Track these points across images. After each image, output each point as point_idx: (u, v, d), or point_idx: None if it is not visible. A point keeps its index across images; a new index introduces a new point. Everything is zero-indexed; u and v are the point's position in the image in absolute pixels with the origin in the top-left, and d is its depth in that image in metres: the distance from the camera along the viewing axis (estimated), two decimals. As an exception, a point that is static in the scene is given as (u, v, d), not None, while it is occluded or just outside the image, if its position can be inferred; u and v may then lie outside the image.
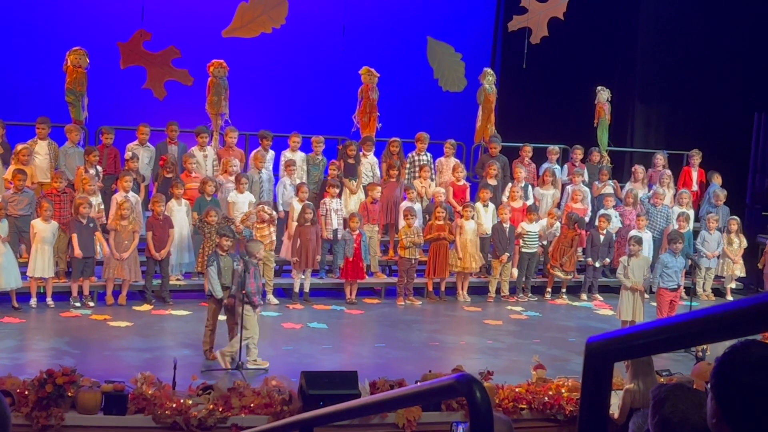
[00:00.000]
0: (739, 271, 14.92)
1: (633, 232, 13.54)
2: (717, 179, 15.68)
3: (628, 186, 15.55)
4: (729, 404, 2.00)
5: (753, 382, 1.94)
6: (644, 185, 15.67)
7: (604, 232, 14.22)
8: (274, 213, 13.09)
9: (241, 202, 12.99)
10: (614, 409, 7.44)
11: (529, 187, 14.90)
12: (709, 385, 2.09)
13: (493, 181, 14.49)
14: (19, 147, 12.62)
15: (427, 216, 13.92)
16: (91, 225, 12.10)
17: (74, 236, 11.92)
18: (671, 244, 11.90)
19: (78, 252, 11.91)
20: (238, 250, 10.80)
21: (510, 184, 14.62)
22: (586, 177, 15.33)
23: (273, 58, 16.74)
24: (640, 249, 11.94)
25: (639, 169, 15.73)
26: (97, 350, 10.29)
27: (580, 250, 14.39)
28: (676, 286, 11.76)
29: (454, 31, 18.21)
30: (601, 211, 14.56)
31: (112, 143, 13.64)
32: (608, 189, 15.26)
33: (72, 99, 13.43)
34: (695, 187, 16.03)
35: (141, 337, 10.83)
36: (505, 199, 14.41)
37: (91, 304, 12.05)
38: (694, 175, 16.18)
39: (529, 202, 14.62)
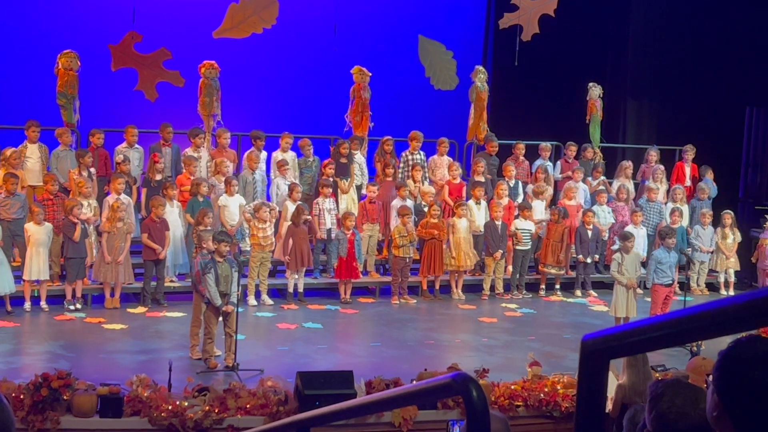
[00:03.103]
0: (733, 265, 14.95)
1: (628, 228, 13.58)
2: (709, 174, 15.70)
3: (617, 182, 15.58)
4: (730, 398, 2.00)
5: (754, 377, 1.95)
6: (630, 181, 15.71)
7: (591, 227, 14.24)
8: (276, 208, 13.12)
9: (232, 204, 12.98)
10: (608, 403, 7.46)
11: (520, 184, 14.93)
12: (710, 378, 2.10)
13: (480, 178, 14.49)
14: (9, 151, 12.56)
15: (416, 217, 13.86)
16: (82, 227, 12.07)
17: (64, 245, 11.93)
18: (664, 239, 11.91)
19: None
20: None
21: (498, 182, 14.64)
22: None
23: (264, 58, 16.71)
24: (632, 245, 11.95)
25: (627, 165, 15.77)
26: (92, 353, 10.27)
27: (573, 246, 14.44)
28: (670, 282, 11.78)
29: (445, 29, 18.21)
30: (585, 207, 14.61)
31: (102, 144, 13.62)
32: (594, 183, 15.31)
33: (63, 102, 13.40)
34: (688, 182, 16.06)
35: (136, 340, 10.82)
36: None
37: (78, 306, 11.98)
38: (687, 170, 16.20)
39: (520, 199, 14.66)
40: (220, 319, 9.89)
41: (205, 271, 9.73)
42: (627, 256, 11.67)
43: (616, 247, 12.85)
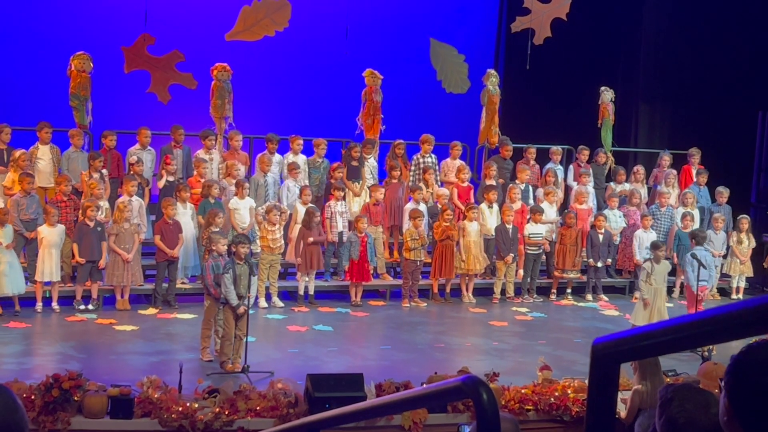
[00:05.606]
0: (747, 270, 14.88)
1: (638, 233, 13.54)
2: (702, 179, 15.55)
3: (629, 186, 15.54)
4: (741, 403, 2.00)
5: (764, 382, 1.94)
6: (644, 185, 15.68)
7: (602, 231, 14.21)
8: (287, 210, 13.13)
9: (242, 207, 12.99)
10: (621, 408, 7.43)
11: (530, 188, 14.90)
12: (722, 383, 2.09)
13: (491, 182, 14.48)
14: (18, 153, 12.58)
15: (431, 219, 13.87)
16: (99, 229, 12.11)
17: (75, 246, 11.96)
18: (703, 243, 12.01)
19: (79, 259, 11.94)
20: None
21: (510, 185, 14.62)
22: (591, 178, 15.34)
23: (276, 61, 16.75)
24: (663, 254, 11.81)
25: (640, 170, 15.74)
26: (103, 354, 10.30)
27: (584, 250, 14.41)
28: (706, 282, 12.04)
29: (457, 32, 18.21)
30: (597, 211, 14.59)
31: (115, 146, 13.65)
32: (619, 188, 15.25)
33: (76, 103, 13.45)
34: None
35: (147, 341, 10.84)
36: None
37: (91, 307, 12.02)
38: (694, 173, 16.14)
39: (531, 202, 14.63)
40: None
41: (224, 272, 9.77)
42: (657, 266, 11.46)
43: (647, 256, 12.59)
